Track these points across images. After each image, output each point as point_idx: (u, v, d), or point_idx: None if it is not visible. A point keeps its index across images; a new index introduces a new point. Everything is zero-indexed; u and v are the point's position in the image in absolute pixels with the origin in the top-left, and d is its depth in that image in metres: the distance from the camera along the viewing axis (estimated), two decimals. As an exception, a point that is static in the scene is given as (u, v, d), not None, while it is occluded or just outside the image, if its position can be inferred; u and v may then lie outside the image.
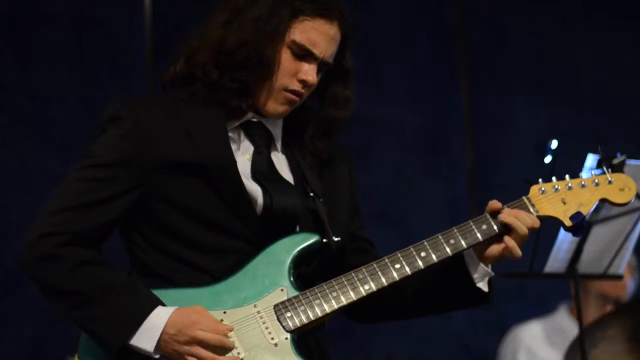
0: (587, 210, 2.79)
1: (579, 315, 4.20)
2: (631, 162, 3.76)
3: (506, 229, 2.74)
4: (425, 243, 2.74)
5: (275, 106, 2.77)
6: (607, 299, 5.04)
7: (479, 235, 2.74)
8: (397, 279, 2.71)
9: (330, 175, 2.87)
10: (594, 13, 6.33)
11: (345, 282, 2.70)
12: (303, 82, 2.75)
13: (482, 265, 2.77)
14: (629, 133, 6.10)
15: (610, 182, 2.83)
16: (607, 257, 4.27)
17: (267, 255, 2.71)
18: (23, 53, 4.96)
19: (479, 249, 2.76)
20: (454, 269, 2.78)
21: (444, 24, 6.01)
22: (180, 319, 2.60)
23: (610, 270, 4.30)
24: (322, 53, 2.75)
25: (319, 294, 2.69)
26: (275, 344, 2.65)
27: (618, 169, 3.22)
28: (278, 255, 2.71)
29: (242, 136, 2.80)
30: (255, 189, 2.73)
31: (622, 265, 4.34)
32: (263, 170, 2.77)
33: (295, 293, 2.69)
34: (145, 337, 2.60)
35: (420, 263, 2.72)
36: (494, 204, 2.76)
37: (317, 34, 2.75)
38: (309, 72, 2.74)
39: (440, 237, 2.74)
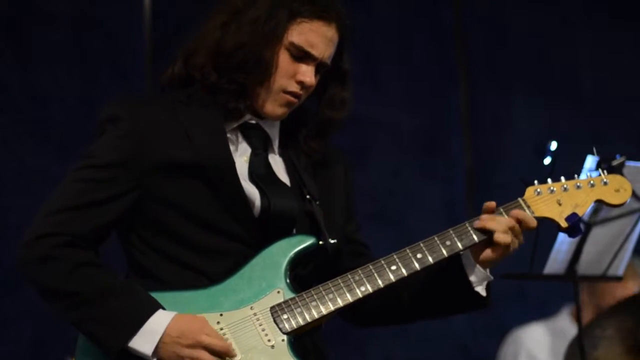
0: (582, 211, 2.78)
1: (578, 317, 4.20)
2: (630, 163, 3.76)
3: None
4: (421, 244, 2.74)
5: (273, 108, 2.77)
6: None
7: (474, 236, 2.74)
8: (394, 280, 2.71)
9: (326, 178, 2.87)
10: (594, 13, 6.32)
11: (342, 284, 2.70)
12: (301, 84, 2.75)
13: (480, 268, 2.77)
14: (629, 134, 6.10)
15: (605, 184, 2.83)
16: (607, 258, 4.26)
17: (264, 257, 2.71)
18: (23, 53, 4.96)
19: (477, 252, 2.76)
20: (452, 272, 2.78)
21: (442, 25, 6.01)
22: (184, 324, 2.60)
23: (610, 271, 4.29)
24: (320, 54, 2.76)
25: (315, 296, 2.69)
26: (272, 346, 2.65)
27: (617, 170, 3.21)
28: (274, 257, 2.71)
29: (240, 138, 2.80)
30: (252, 191, 2.74)
31: (622, 266, 4.33)
32: (260, 172, 2.77)
33: (292, 295, 2.69)
34: (144, 341, 2.59)
35: (416, 264, 2.72)
36: (489, 204, 2.77)
37: (315, 36, 2.75)
38: (307, 73, 2.75)
39: (436, 238, 2.74)
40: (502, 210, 2.77)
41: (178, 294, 2.67)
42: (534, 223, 2.75)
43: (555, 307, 5.30)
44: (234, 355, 2.62)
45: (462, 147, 5.92)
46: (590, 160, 3.67)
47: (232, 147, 2.76)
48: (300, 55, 2.75)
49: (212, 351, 2.59)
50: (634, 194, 3.99)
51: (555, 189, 2.80)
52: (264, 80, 2.74)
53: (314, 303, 2.69)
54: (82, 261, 2.63)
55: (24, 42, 4.96)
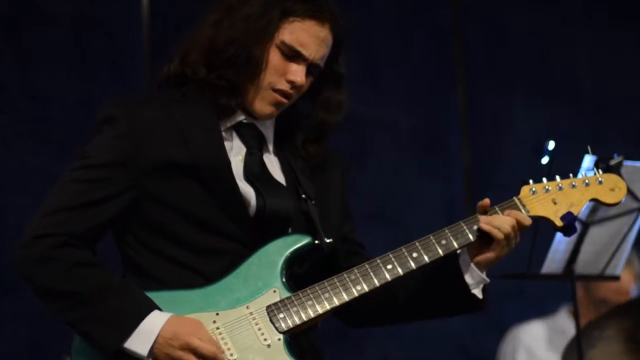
0: (577, 210, 2.78)
1: (576, 316, 4.20)
2: (628, 163, 3.76)
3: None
4: (417, 244, 2.74)
5: (262, 106, 2.76)
6: (610, 305, 5.02)
7: (470, 235, 2.74)
8: (389, 279, 2.71)
9: (322, 178, 2.87)
10: (594, 13, 6.32)
11: (338, 283, 2.70)
12: (291, 83, 2.74)
13: (477, 271, 2.76)
14: (628, 134, 6.10)
15: (600, 183, 2.83)
16: (604, 258, 4.27)
17: (260, 256, 2.71)
18: (22, 53, 4.97)
19: (474, 252, 2.76)
20: (448, 273, 2.78)
21: (441, 24, 6.00)
22: (178, 326, 2.60)
23: (607, 271, 4.30)
24: (312, 55, 2.75)
25: (311, 295, 2.69)
26: (268, 345, 2.65)
27: (615, 170, 3.22)
28: (270, 256, 2.71)
29: (234, 137, 2.79)
30: (248, 191, 2.74)
31: (619, 266, 4.34)
32: (255, 171, 2.77)
33: (288, 294, 2.69)
34: (140, 341, 2.59)
35: (412, 263, 2.72)
36: (483, 203, 2.77)
37: (307, 35, 2.74)
38: (298, 73, 2.74)
39: (431, 237, 2.74)
40: (497, 209, 2.78)
41: (174, 293, 2.67)
42: (528, 221, 2.75)
43: (553, 306, 5.30)
44: None
45: (461, 146, 5.92)
46: (588, 160, 3.67)
47: (227, 146, 2.76)
48: (291, 54, 2.74)
49: (200, 355, 2.59)
50: (631, 193, 4.02)
51: (550, 188, 2.80)
52: (254, 78, 2.73)
53: (310, 302, 2.69)
54: (78, 261, 2.63)
55: (24, 42, 4.96)
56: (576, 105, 6.23)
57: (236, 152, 2.78)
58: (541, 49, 6.23)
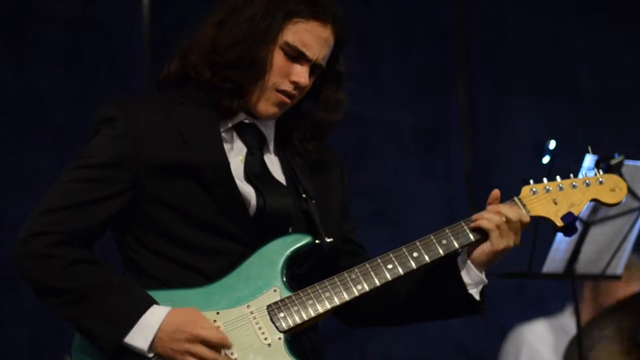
0: (578, 210, 2.78)
1: (577, 316, 4.20)
2: (629, 162, 3.77)
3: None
4: (418, 243, 2.74)
5: (266, 107, 2.77)
6: None
7: (471, 235, 2.74)
8: (390, 279, 2.71)
9: (322, 178, 2.87)
10: (594, 13, 6.32)
11: (338, 283, 2.70)
12: (295, 84, 2.75)
13: (475, 270, 2.76)
14: (628, 133, 6.10)
15: (601, 183, 2.83)
16: (605, 257, 4.27)
17: (260, 256, 2.71)
18: (22, 52, 4.96)
19: (473, 252, 2.76)
20: (446, 273, 2.78)
21: (442, 24, 6.01)
22: (179, 318, 2.60)
23: (608, 270, 4.30)
24: (315, 55, 2.75)
25: (312, 295, 2.69)
26: (269, 344, 2.65)
27: (616, 169, 3.22)
28: (271, 256, 2.71)
29: (235, 137, 2.80)
30: (248, 191, 2.74)
31: (620, 265, 4.34)
32: (256, 171, 2.77)
33: (288, 294, 2.69)
34: (140, 336, 2.59)
35: (412, 263, 2.72)
36: (494, 194, 2.77)
37: (310, 36, 2.75)
38: (302, 74, 2.74)
39: (432, 237, 2.74)
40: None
41: (174, 292, 2.67)
42: (526, 219, 2.75)
43: (554, 306, 5.30)
44: (230, 346, 2.61)
45: (462, 146, 5.92)
46: (589, 159, 3.67)
47: (227, 147, 2.76)
48: (295, 55, 2.75)
49: (209, 344, 2.59)
50: (632, 193, 4.02)
51: (551, 188, 2.80)
52: (257, 79, 2.74)
53: (310, 301, 2.69)
54: (76, 258, 2.63)
55: (23, 41, 4.96)
56: (575, 105, 6.24)
57: (237, 152, 2.78)
58: (541, 49, 6.23)
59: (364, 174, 5.53)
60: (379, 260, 2.72)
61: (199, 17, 2.83)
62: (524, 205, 2.78)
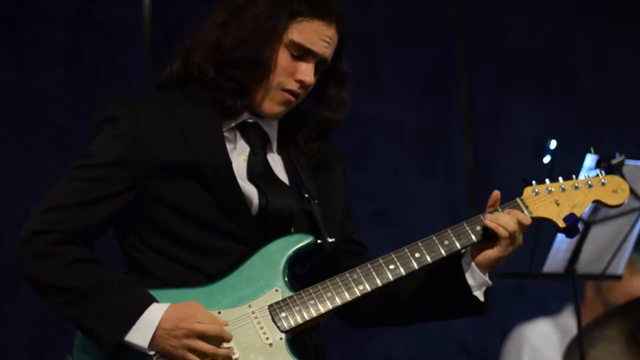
0: (580, 211, 2.78)
1: (577, 316, 4.20)
2: (630, 162, 3.76)
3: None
4: (420, 244, 2.74)
5: (271, 106, 2.77)
6: None
7: (473, 236, 2.74)
8: (392, 279, 2.71)
9: (325, 178, 2.87)
10: (594, 13, 6.33)
11: (340, 283, 2.70)
12: (300, 82, 2.76)
13: (479, 272, 2.76)
14: (628, 133, 6.10)
15: (603, 184, 2.83)
16: (606, 257, 4.27)
17: (262, 256, 2.71)
18: (22, 53, 4.96)
19: (476, 253, 2.76)
20: (450, 275, 2.78)
21: (443, 24, 6.01)
22: (177, 314, 2.60)
23: (609, 270, 4.30)
24: (320, 53, 2.76)
25: (313, 295, 2.69)
26: (270, 344, 2.65)
27: (617, 169, 3.21)
28: (273, 256, 2.71)
29: (238, 137, 2.80)
30: (250, 190, 2.74)
31: (621, 265, 4.34)
32: (259, 171, 2.77)
33: (290, 293, 2.69)
34: (140, 333, 2.59)
35: (414, 264, 2.72)
36: (495, 195, 2.76)
37: (315, 35, 2.75)
38: (307, 72, 2.75)
39: (434, 238, 2.74)
40: (499, 209, 2.77)
41: (175, 292, 2.67)
42: (528, 221, 2.75)
43: (555, 305, 5.30)
44: (230, 338, 2.61)
45: (463, 146, 5.92)
46: (590, 159, 3.67)
47: (230, 146, 2.76)
48: (300, 53, 2.75)
49: (207, 338, 2.59)
50: (633, 193, 4.03)
51: (553, 189, 2.80)
52: (262, 79, 2.74)
53: (312, 301, 2.68)
54: (77, 257, 2.63)
55: (23, 41, 4.95)
56: (576, 104, 6.24)
57: (240, 151, 2.78)
58: (540, 48, 6.23)
59: (365, 174, 5.53)
60: (381, 261, 2.72)
61: (200, 17, 2.83)
62: (526, 206, 2.78)
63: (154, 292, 2.65)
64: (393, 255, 2.73)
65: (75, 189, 2.68)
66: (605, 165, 3.36)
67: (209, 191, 2.70)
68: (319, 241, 2.75)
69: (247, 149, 2.79)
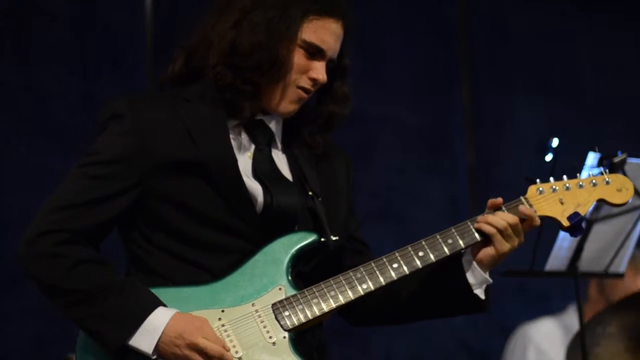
0: (584, 210, 2.78)
1: (579, 314, 4.20)
2: (632, 160, 3.77)
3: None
4: (423, 243, 2.74)
5: (286, 105, 2.78)
6: None
7: (476, 235, 2.74)
8: (395, 278, 2.71)
9: (329, 175, 2.88)
10: (594, 13, 6.32)
11: (344, 282, 2.70)
12: (314, 80, 2.77)
13: (479, 270, 2.77)
14: (630, 132, 6.10)
15: (607, 183, 2.83)
16: (608, 255, 4.27)
17: (266, 254, 2.71)
18: (24, 51, 4.96)
19: (477, 251, 2.76)
20: (451, 273, 2.78)
21: (446, 23, 6.01)
22: (183, 324, 2.60)
23: (611, 268, 4.30)
24: (331, 51, 2.78)
25: (317, 293, 2.69)
26: (273, 343, 2.65)
27: (619, 167, 3.22)
28: (276, 254, 2.71)
29: (243, 134, 2.80)
30: (255, 188, 2.74)
31: (623, 263, 4.34)
32: (264, 168, 2.78)
33: (294, 292, 2.69)
34: (144, 338, 2.59)
35: (418, 262, 2.72)
36: (494, 201, 2.76)
37: (326, 32, 2.77)
38: (320, 70, 2.77)
39: (438, 236, 2.74)
40: (504, 208, 2.77)
41: (180, 290, 2.67)
42: (538, 222, 2.75)
43: (557, 303, 5.30)
44: (229, 359, 2.61)
45: (466, 145, 5.92)
46: (592, 157, 3.67)
47: (235, 144, 2.76)
48: (314, 52, 2.77)
49: (207, 355, 2.59)
50: (635, 191, 4.02)
51: (557, 187, 2.80)
52: (279, 79, 2.75)
53: (315, 300, 2.69)
54: (83, 258, 2.63)
55: (26, 40, 4.95)
56: (577, 103, 6.24)
57: (245, 149, 2.78)
58: (542, 47, 6.23)
59: (368, 172, 5.53)
60: (385, 260, 2.73)
61: (202, 17, 2.83)
62: (531, 205, 2.78)
63: (159, 290, 2.65)
64: (397, 254, 2.73)
65: (81, 188, 2.67)
66: (608, 163, 3.37)
67: (214, 189, 2.70)
68: (322, 239, 2.75)
69: (253, 147, 2.79)
